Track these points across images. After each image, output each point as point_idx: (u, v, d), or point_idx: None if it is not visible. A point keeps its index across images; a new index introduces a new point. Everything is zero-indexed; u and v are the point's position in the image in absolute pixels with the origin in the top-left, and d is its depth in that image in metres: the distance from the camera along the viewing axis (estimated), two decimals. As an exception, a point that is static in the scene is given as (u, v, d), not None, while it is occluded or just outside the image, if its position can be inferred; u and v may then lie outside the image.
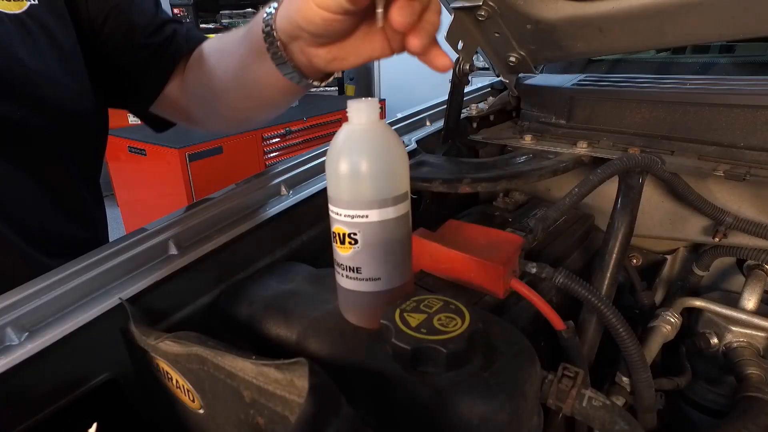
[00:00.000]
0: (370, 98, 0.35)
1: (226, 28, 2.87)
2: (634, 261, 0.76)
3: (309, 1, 0.38)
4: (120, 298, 0.42)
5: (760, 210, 0.60)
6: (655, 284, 0.73)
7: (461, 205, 0.74)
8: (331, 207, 0.36)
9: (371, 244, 0.35)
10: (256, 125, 0.70)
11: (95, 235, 0.64)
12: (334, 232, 0.36)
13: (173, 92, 0.63)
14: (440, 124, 0.76)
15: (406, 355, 0.32)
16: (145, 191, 2.45)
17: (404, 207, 0.36)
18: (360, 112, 0.34)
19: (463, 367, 0.33)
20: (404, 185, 0.35)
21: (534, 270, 0.49)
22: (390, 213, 0.35)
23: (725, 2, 0.52)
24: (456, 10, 0.68)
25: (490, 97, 0.89)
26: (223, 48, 0.58)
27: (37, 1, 0.52)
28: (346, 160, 0.34)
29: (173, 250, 0.48)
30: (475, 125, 0.82)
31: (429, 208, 0.72)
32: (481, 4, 0.65)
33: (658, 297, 0.77)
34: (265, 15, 0.45)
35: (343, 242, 0.36)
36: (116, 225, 2.94)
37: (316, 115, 2.69)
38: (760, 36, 0.54)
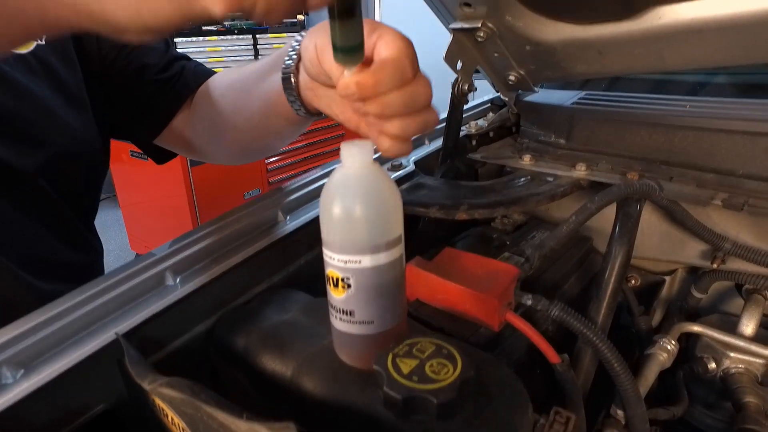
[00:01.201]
0: (363, 140, 0.35)
1: (228, 30, 2.86)
2: (633, 282, 0.76)
3: (314, 43, 0.41)
4: (116, 333, 0.42)
5: (758, 236, 0.60)
6: (653, 306, 0.73)
7: (460, 225, 0.73)
8: (324, 250, 0.36)
9: (364, 288, 0.35)
10: (258, 158, 0.73)
11: (92, 261, 0.65)
12: (327, 275, 0.37)
13: (178, 126, 0.64)
14: (439, 142, 0.76)
15: (397, 404, 0.32)
16: (147, 194, 2.46)
17: (397, 251, 0.36)
18: (353, 156, 0.34)
19: (455, 416, 0.33)
20: (397, 229, 0.35)
21: (529, 302, 0.49)
22: (382, 258, 0.35)
23: (725, 31, 0.51)
24: (455, 31, 0.68)
25: (490, 113, 0.89)
26: (238, 74, 0.59)
27: (43, 42, 0.52)
28: (339, 207, 0.34)
29: (170, 281, 0.48)
30: (474, 142, 0.81)
31: (427, 228, 0.72)
32: (479, 26, 0.65)
33: (657, 318, 0.77)
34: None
35: (336, 285, 0.36)
36: (118, 227, 2.96)
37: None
38: (758, 63, 0.54)
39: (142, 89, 0.61)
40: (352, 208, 0.33)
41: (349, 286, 0.35)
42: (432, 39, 0.76)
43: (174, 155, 0.72)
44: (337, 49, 0.33)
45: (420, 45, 0.41)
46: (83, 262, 0.62)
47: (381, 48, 0.36)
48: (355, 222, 0.33)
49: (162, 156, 0.72)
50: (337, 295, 0.36)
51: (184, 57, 0.66)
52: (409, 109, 0.36)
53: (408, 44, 0.36)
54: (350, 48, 0.32)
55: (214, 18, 0.27)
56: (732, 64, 0.70)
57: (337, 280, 0.36)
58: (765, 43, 0.50)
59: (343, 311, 0.37)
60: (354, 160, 0.33)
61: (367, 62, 0.36)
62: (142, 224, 2.59)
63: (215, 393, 0.32)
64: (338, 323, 0.38)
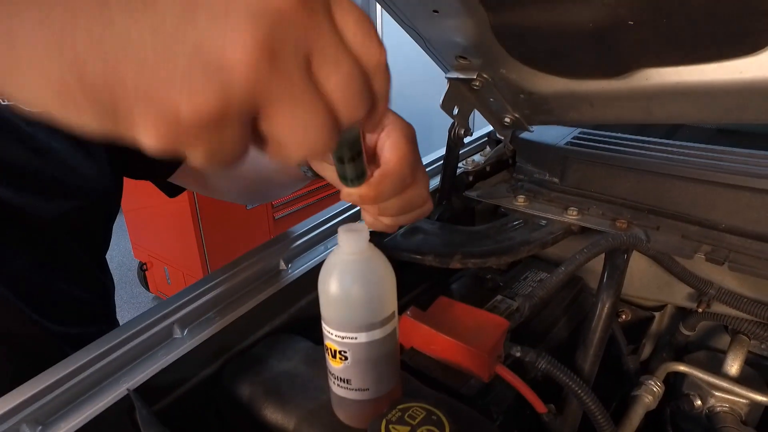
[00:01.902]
0: (359, 224, 0.37)
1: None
2: (623, 316, 0.79)
3: None
4: (128, 390, 0.45)
5: (740, 283, 0.63)
6: (642, 342, 0.76)
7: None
8: (323, 324, 0.39)
9: (360, 361, 0.38)
10: (260, 203, 0.76)
11: (103, 299, 0.67)
12: (326, 346, 0.39)
13: (191, 167, 0.65)
14: (436, 181, 0.78)
15: (389, 473, 0.35)
16: (149, 200, 2.49)
17: (390, 326, 0.38)
18: (349, 243, 0.36)
19: (442, 485, 0.35)
20: (391, 307, 0.38)
21: (518, 354, 0.52)
22: (377, 334, 0.37)
23: (706, 95, 0.54)
24: (451, 80, 0.70)
25: (487, 147, 0.91)
26: None
27: None
28: (337, 289, 0.36)
29: (178, 334, 0.51)
30: (471, 179, 0.84)
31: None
32: (475, 76, 0.67)
33: (647, 351, 0.79)
34: None
35: (334, 356, 0.39)
36: (121, 232, 2.99)
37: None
38: (740, 123, 0.56)
39: None
40: (349, 292, 0.36)
41: (346, 358, 0.38)
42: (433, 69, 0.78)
43: (184, 189, 0.74)
44: (340, 177, 0.34)
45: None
46: (95, 301, 0.65)
47: (385, 150, 0.37)
48: (352, 304, 0.36)
49: (173, 190, 0.74)
50: (335, 365, 0.39)
51: None
52: (405, 211, 0.38)
53: (411, 147, 0.37)
54: (353, 180, 0.34)
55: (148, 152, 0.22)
56: (711, 123, 0.72)
57: (335, 352, 0.38)
58: (742, 106, 0.53)
59: (341, 379, 0.39)
60: (350, 247, 0.36)
61: (369, 152, 0.38)
62: (145, 231, 2.62)
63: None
64: (336, 388, 0.40)
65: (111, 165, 0.61)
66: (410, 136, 0.38)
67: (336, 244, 0.39)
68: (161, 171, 0.66)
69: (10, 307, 0.55)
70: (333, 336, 0.38)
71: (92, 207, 0.59)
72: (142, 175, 0.67)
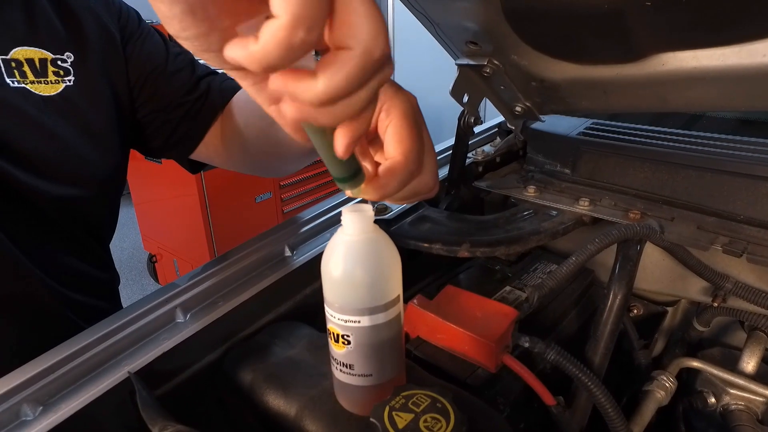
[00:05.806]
0: (365, 205, 0.36)
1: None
2: (635, 311, 0.77)
3: None
4: (129, 372, 0.45)
5: (759, 277, 0.61)
6: (654, 338, 0.74)
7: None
8: (326, 307, 0.38)
9: (363, 345, 0.37)
10: (282, 174, 0.75)
11: (109, 276, 0.68)
12: (329, 330, 0.38)
13: (212, 141, 0.65)
14: (445, 170, 0.77)
15: (391, 460, 0.34)
16: (159, 193, 2.50)
17: (394, 311, 0.37)
18: (354, 223, 0.35)
19: (446, 473, 0.34)
20: (395, 290, 0.37)
21: (527, 345, 0.51)
22: (381, 318, 0.36)
23: (725, 80, 0.52)
24: (461, 67, 0.69)
25: (498, 138, 0.90)
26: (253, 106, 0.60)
27: (72, 83, 0.53)
28: (340, 271, 0.35)
29: (180, 318, 0.51)
30: (480, 169, 0.82)
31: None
32: (485, 63, 0.66)
33: (659, 347, 0.77)
34: None
35: (337, 341, 0.38)
36: (131, 224, 3.02)
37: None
38: (764, 111, 0.54)
39: (170, 114, 0.62)
40: (352, 274, 0.35)
41: (348, 342, 0.37)
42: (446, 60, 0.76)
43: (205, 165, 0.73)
44: (335, 179, 0.31)
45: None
46: (99, 276, 0.65)
47: (388, 141, 0.34)
48: (355, 286, 0.35)
49: (195, 166, 0.71)
50: (337, 350, 0.38)
51: (211, 72, 0.65)
52: (409, 199, 0.36)
53: (416, 132, 0.34)
54: (345, 178, 0.31)
55: None
56: (732, 110, 0.70)
57: (338, 336, 0.37)
58: (765, 93, 0.51)
59: (343, 364, 0.38)
60: (355, 228, 0.35)
61: (370, 135, 0.36)
62: (154, 224, 2.63)
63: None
64: (339, 374, 0.39)
65: (122, 148, 0.61)
66: (412, 114, 0.34)
67: (342, 229, 0.37)
68: (183, 147, 0.65)
69: (22, 268, 0.55)
70: (336, 319, 0.37)
71: (98, 197, 0.59)
72: (164, 153, 0.66)
